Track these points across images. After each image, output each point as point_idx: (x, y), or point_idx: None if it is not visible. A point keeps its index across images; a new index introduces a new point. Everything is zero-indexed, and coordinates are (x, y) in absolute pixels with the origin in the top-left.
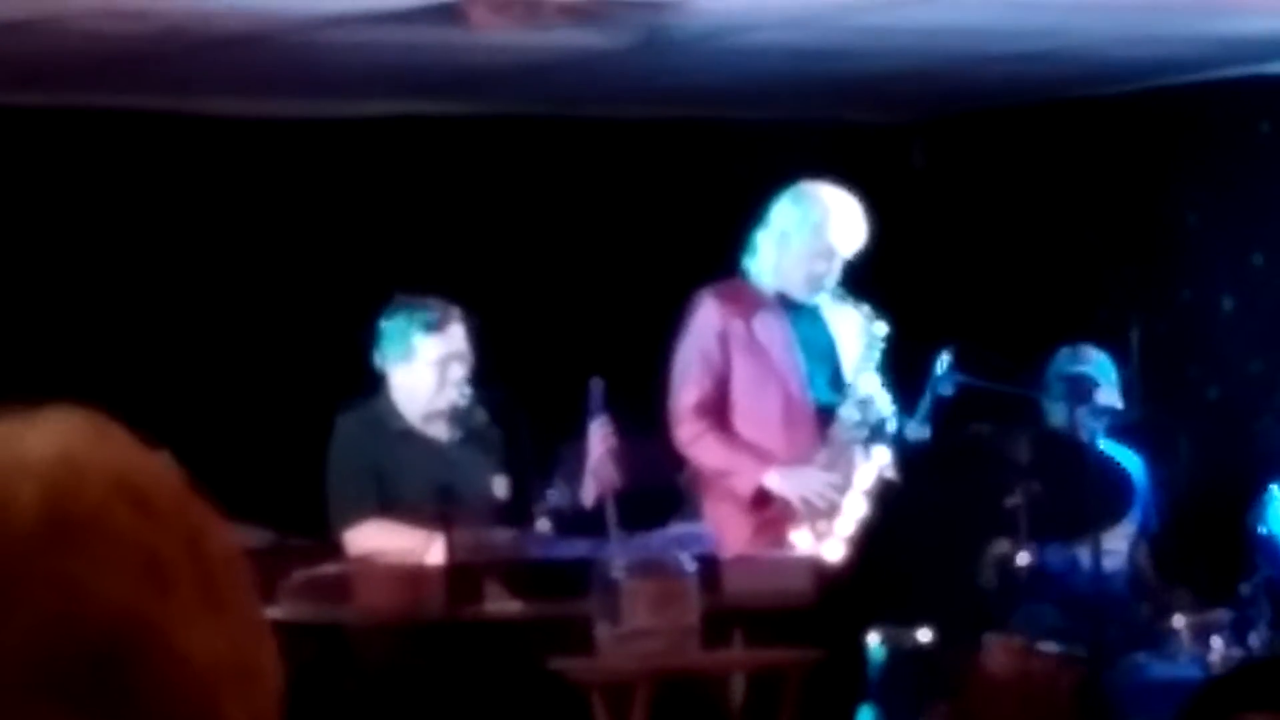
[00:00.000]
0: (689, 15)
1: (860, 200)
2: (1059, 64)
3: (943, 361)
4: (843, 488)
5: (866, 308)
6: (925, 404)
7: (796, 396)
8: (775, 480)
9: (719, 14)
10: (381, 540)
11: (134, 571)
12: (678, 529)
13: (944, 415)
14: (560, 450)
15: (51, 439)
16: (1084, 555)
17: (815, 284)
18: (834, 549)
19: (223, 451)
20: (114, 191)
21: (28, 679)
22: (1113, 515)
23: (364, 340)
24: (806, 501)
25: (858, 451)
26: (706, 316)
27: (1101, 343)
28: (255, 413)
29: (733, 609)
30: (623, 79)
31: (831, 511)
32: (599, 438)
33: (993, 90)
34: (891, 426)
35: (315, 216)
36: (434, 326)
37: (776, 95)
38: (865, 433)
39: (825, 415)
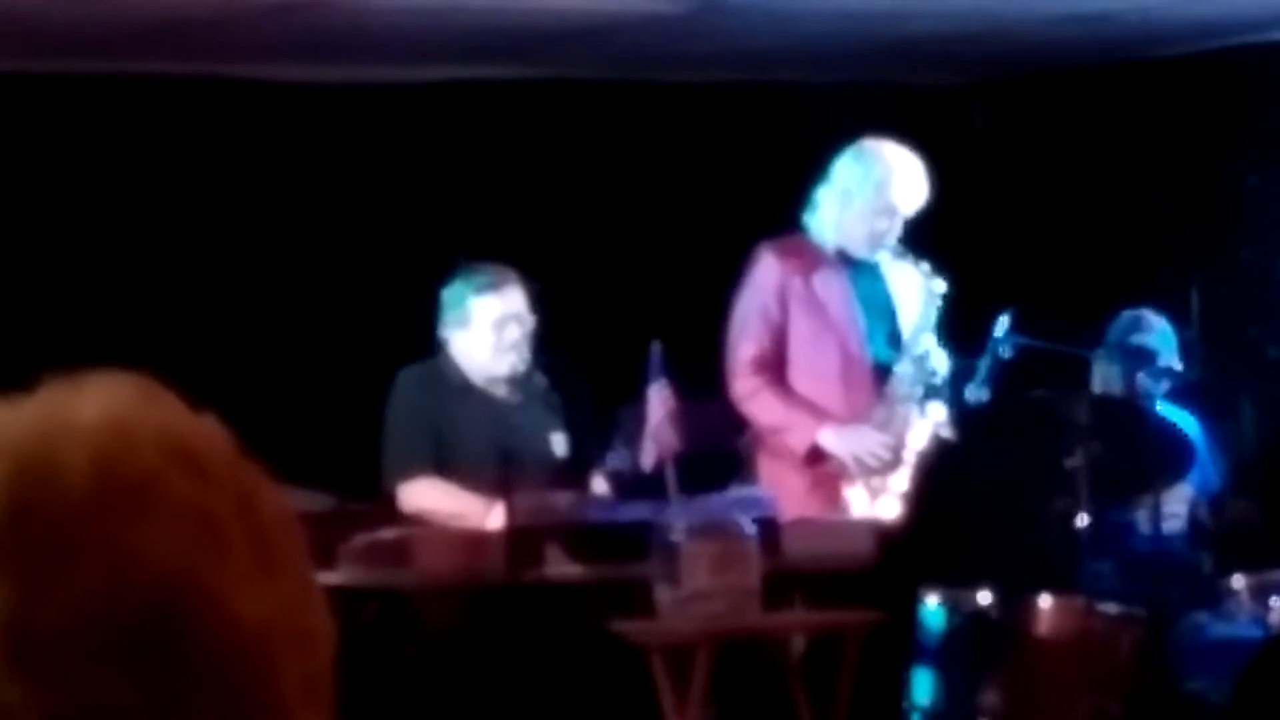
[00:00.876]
0: None
1: (920, 162)
2: (1119, 25)
3: (1002, 323)
4: (897, 446)
5: (926, 265)
6: (985, 366)
7: (854, 353)
8: (829, 438)
9: None
10: (435, 500)
11: (187, 535)
12: (737, 491)
13: (1004, 377)
14: (620, 414)
15: (100, 404)
16: (1144, 516)
17: (876, 241)
18: (889, 506)
19: (283, 416)
20: (171, 157)
21: (83, 643)
22: (1172, 476)
23: (422, 304)
24: (859, 460)
25: (914, 409)
26: (767, 271)
27: (1162, 304)
28: (315, 378)
29: (793, 571)
30: (681, 42)
31: (885, 470)
32: (658, 401)
33: (1052, 51)
34: (948, 385)
35: (373, 182)
36: (490, 289)
37: (835, 58)
38: (921, 390)
39: (882, 373)
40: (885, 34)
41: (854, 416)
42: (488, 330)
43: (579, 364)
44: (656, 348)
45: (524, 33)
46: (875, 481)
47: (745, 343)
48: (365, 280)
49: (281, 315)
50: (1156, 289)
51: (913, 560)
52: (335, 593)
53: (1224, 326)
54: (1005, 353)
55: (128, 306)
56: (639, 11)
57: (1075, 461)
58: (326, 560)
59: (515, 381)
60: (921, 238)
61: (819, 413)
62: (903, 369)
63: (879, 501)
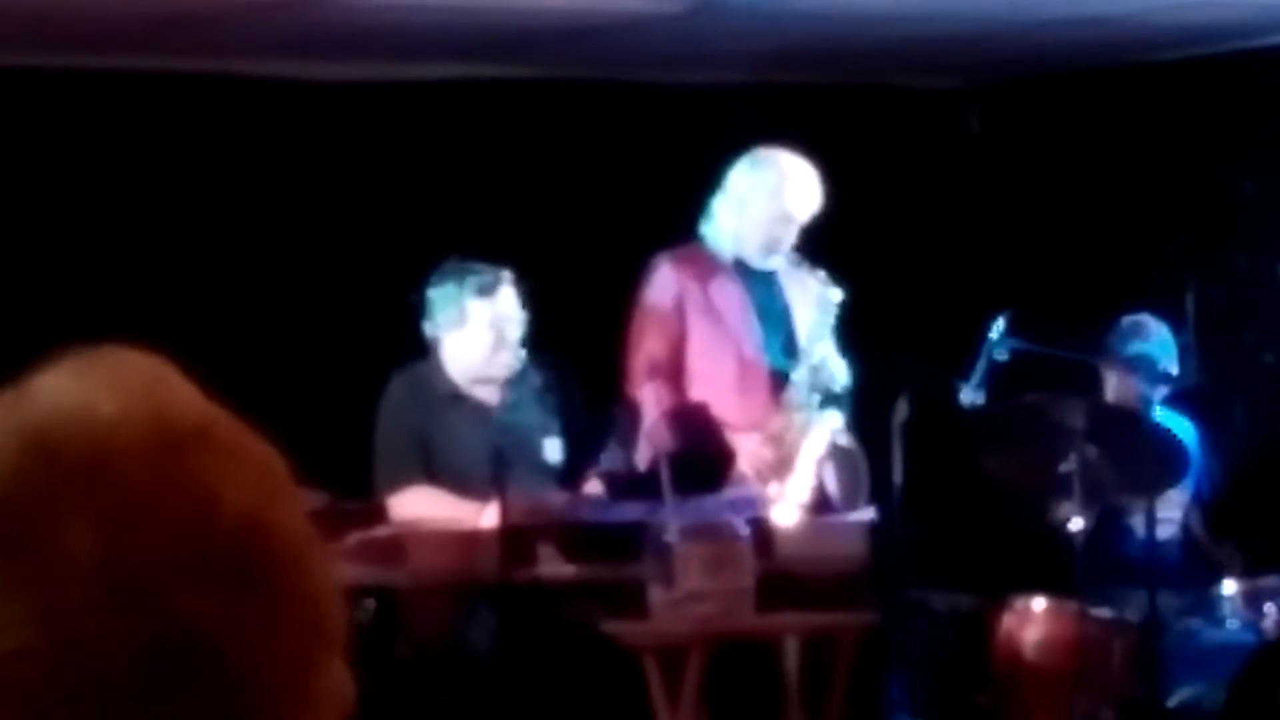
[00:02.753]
0: None
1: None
2: (1117, 29)
3: (998, 327)
4: (791, 455)
5: (822, 273)
6: (980, 370)
7: (751, 361)
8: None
9: None
10: (426, 509)
11: (252, 479)
12: (731, 492)
13: (999, 381)
14: (614, 414)
15: (132, 368)
16: (1138, 521)
17: (772, 248)
18: (784, 513)
19: (276, 414)
20: (169, 154)
21: (174, 571)
22: (1167, 481)
23: (418, 302)
24: (755, 466)
25: (811, 417)
26: (663, 280)
27: (1157, 309)
28: (309, 375)
29: (786, 573)
30: (676, 43)
31: (776, 476)
32: (653, 401)
33: (1050, 56)
34: (847, 393)
35: (369, 179)
36: (486, 290)
37: (831, 60)
38: (818, 398)
39: (779, 381)
40: (882, 36)
41: (751, 425)
42: (484, 331)
43: (574, 364)
44: None
45: (520, 32)
46: (772, 488)
47: (642, 351)
48: (359, 276)
49: (276, 311)
50: (1152, 294)
51: (905, 563)
52: None
53: (1219, 332)
54: (1000, 356)
55: (125, 301)
56: (636, 11)
57: (1070, 466)
58: None
59: (511, 381)
60: (919, 239)
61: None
62: (799, 377)
63: (774, 508)
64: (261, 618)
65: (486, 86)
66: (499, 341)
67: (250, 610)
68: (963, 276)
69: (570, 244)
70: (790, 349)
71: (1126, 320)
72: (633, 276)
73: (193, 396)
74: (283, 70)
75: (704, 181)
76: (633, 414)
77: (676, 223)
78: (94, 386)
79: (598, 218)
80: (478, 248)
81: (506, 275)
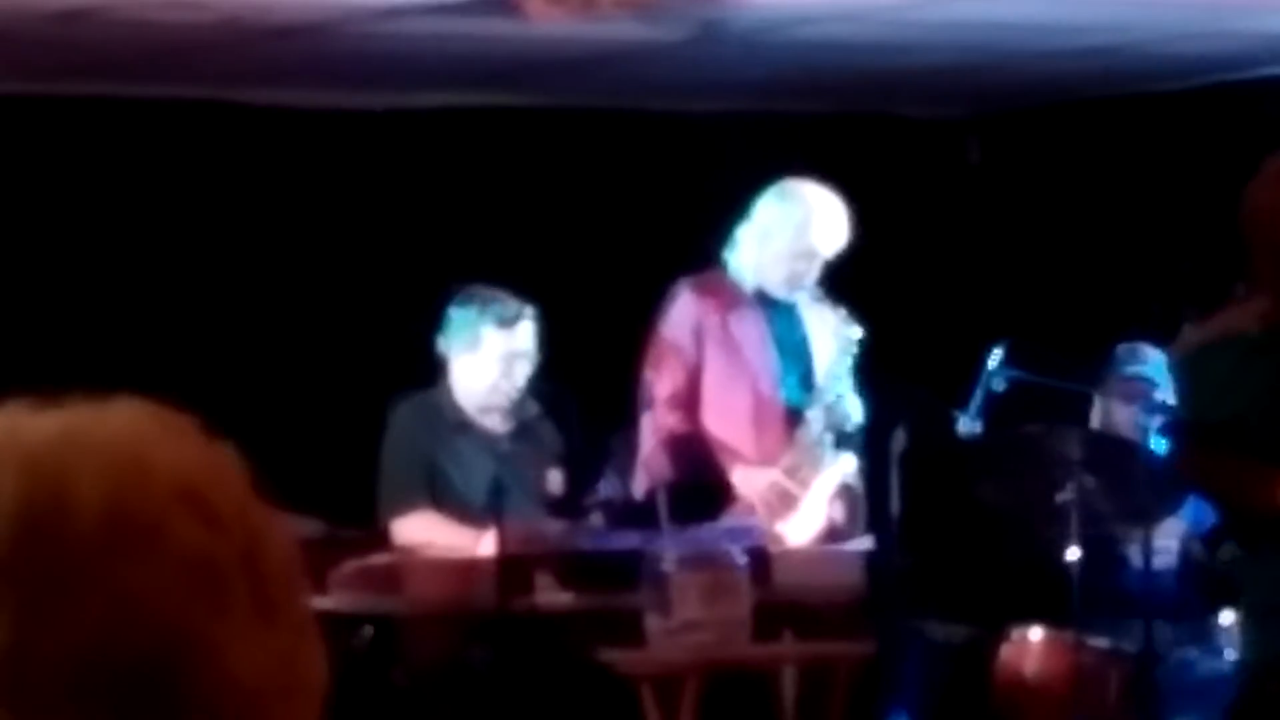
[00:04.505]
0: (744, 8)
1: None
2: (1116, 59)
3: (996, 357)
4: (802, 492)
5: (843, 310)
6: (977, 399)
7: (767, 395)
8: (738, 478)
9: (774, 7)
10: (429, 534)
11: (190, 584)
12: (729, 521)
13: (996, 411)
14: (612, 442)
15: (120, 435)
16: (1135, 551)
17: (795, 282)
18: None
19: (275, 442)
20: (171, 181)
21: (75, 681)
22: (1163, 511)
23: (420, 331)
24: (764, 502)
25: (824, 455)
26: (683, 309)
27: (1156, 339)
28: (308, 403)
29: (783, 602)
30: (678, 72)
31: (787, 513)
32: (650, 430)
33: (1049, 86)
34: (860, 432)
35: (372, 207)
36: (505, 322)
37: (832, 89)
38: (832, 437)
39: (794, 416)
40: (881, 66)
41: (764, 458)
42: (495, 363)
43: (572, 393)
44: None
45: (523, 61)
46: (777, 526)
47: (660, 381)
48: (360, 305)
49: (276, 339)
50: (1150, 324)
51: (902, 593)
52: (325, 619)
53: None
54: (998, 386)
55: (126, 328)
56: (636, 40)
57: (1066, 496)
58: (317, 586)
59: (510, 409)
60: (917, 269)
61: (729, 455)
62: (814, 415)
63: (779, 545)
64: None
65: (492, 114)
66: (506, 374)
67: None
68: (961, 306)
69: (576, 272)
70: (807, 383)
71: (1123, 346)
72: (636, 305)
73: (173, 472)
74: (291, 99)
75: (708, 209)
76: (630, 443)
77: (680, 250)
78: (65, 462)
79: (602, 245)
80: (481, 275)
81: (529, 311)
